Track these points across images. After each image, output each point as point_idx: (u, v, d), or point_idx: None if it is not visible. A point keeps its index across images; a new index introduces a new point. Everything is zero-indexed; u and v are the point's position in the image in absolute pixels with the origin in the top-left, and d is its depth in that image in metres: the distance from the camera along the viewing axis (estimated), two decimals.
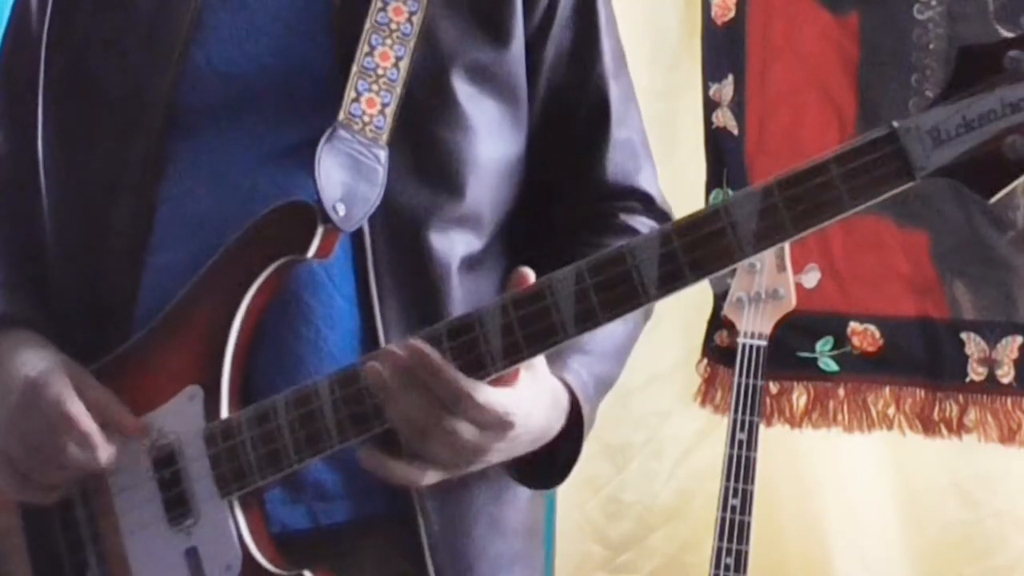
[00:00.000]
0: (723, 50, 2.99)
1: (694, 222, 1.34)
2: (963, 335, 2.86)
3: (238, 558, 1.45)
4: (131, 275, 1.53)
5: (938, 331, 2.88)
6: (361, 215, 1.48)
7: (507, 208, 1.60)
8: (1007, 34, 2.82)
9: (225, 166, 1.52)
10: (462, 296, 1.54)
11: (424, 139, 1.53)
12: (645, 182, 1.66)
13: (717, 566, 2.72)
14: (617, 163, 1.64)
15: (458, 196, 1.54)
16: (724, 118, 3.00)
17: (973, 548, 2.88)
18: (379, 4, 1.52)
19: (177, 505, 1.48)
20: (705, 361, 3.02)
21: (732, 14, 2.98)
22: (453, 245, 1.54)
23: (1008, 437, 2.83)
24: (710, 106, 3.01)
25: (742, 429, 2.74)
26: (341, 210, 1.46)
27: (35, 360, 1.51)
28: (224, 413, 1.47)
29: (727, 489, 2.73)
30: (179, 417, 1.47)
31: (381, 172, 1.49)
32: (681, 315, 2.97)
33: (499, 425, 1.40)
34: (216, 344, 1.47)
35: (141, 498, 1.49)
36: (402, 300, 1.51)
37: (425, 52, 1.53)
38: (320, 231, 1.46)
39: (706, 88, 3.01)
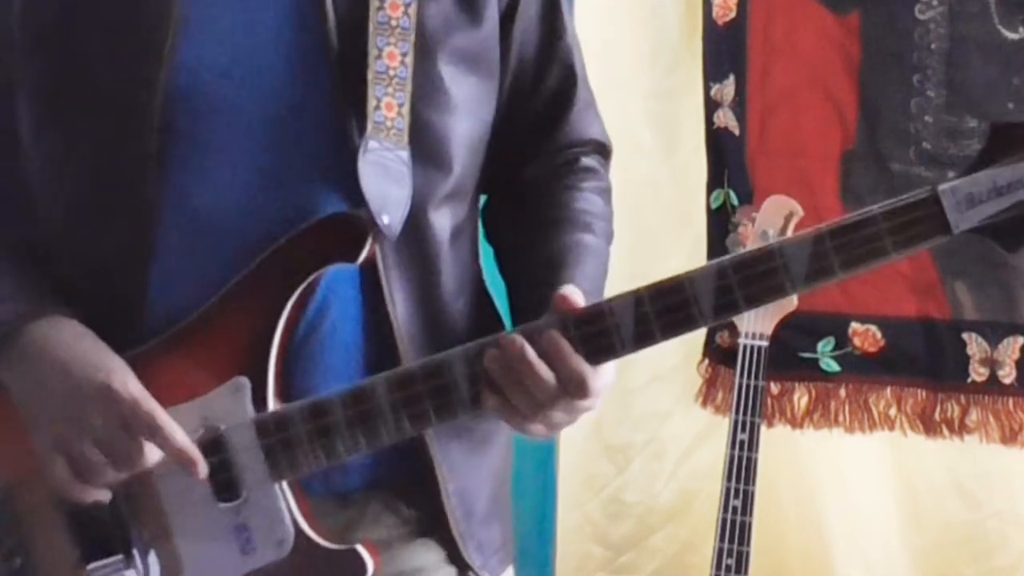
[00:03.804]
0: (724, 50, 2.98)
1: (750, 259, 1.47)
2: (964, 335, 2.87)
3: (290, 534, 1.51)
4: (137, 279, 1.53)
5: (939, 331, 2.88)
6: (400, 219, 1.53)
7: (480, 176, 1.66)
8: (1008, 34, 2.82)
9: (226, 166, 1.52)
10: (450, 266, 1.61)
11: (418, 123, 1.55)
12: (597, 132, 1.77)
13: (718, 567, 2.72)
14: (580, 120, 1.74)
15: (448, 173, 1.59)
16: (725, 118, 2.99)
17: (974, 548, 2.90)
18: (376, 3, 1.54)
19: (225, 490, 1.52)
20: (706, 362, 3.02)
21: (733, 14, 2.97)
22: (445, 220, 1.60)
23: (1010, 438, 2.84)
24: (711, 106, 3.00)
25: (743, 430, 2.74)
26: (386, 219, 1.51)
27: (92, 354, 1.51)
28: (271, 405, 1.52)
29: (728, 490, 2.73)
30: (224, 406, 1.51)
31: (407, 172, 1.54)
32: None
33: (592, 405, 1.51)
34: (261, 340, 1.51)
35: (187, 483, 1.51)
36: (406, 281, 1.56)
37: (418, 41, 1.55)
38: (370, 242, 1.51)
39: (707, 88, 3.00)
